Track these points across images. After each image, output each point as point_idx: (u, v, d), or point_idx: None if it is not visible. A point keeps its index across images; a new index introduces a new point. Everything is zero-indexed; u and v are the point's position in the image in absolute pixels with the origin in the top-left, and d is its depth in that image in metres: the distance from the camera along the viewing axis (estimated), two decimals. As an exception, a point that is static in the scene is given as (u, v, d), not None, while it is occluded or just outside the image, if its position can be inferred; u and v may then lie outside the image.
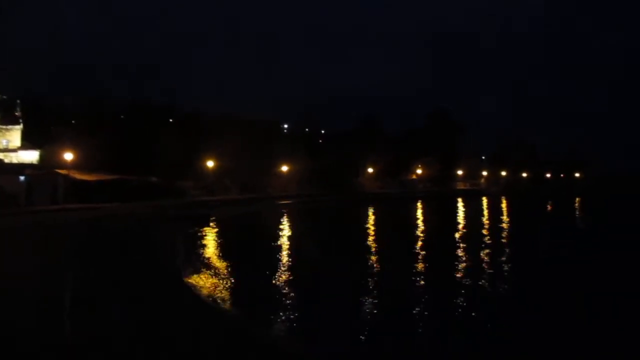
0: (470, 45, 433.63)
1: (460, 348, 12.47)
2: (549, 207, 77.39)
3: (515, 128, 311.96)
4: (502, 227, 42.18)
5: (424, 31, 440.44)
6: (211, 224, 41.88)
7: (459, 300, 16.87)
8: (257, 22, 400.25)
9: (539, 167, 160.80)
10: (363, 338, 13.06)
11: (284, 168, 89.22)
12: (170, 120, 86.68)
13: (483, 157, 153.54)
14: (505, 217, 54.51)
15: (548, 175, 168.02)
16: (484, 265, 23.66)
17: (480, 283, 19.69)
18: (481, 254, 26.49)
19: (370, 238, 34.97)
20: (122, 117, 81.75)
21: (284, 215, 53.05)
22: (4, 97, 68.47)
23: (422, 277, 20.99)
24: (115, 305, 13.81)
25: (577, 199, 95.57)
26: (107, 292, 15.46)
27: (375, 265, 23.88)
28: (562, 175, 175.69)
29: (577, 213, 66.41)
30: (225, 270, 21.34)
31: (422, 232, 38.79)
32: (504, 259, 25.66)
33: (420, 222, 48.59)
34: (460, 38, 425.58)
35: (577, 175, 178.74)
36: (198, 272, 20.68)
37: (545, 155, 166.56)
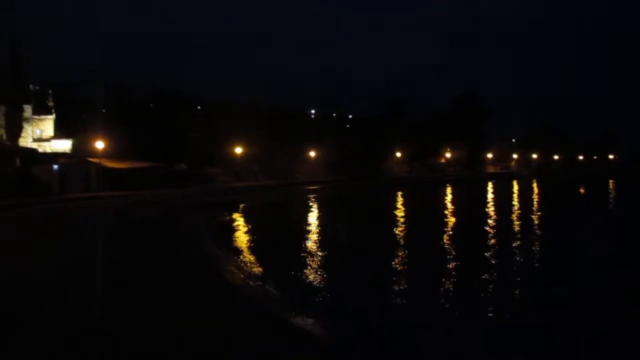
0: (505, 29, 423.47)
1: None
2: (581, 191, 75.78)
3: (546, 110, 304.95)
4: (531, 216, 40.85)
5: (452, 14, 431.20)
6: (241, 210, 42.03)
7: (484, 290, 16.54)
8: (279, 10, 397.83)
9: (571, 149, 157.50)
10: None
11: (312, 153, 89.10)
12: (198, 107, 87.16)
13: (514, 140, 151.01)
14: (535, 204, 53.21)
15: (581, 157, 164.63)
16: (510, 259, 22.93)
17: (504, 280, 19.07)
18: (508, 245, 25.78)
19: (401, 226, 34.54)
20: (150, 105, 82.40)
21: (313, 202, 52.96)
22: (37, 87, 69.41)
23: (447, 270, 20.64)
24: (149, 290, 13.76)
25: (610, 181, 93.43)
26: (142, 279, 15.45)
27: (407, 254, 23.53)
28: (595, 157, 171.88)
29: (610, 198, 64.55)
30: (260, 257, 21.25)
31: (452, 220, 38.13)
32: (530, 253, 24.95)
33: (449, 209, 47.85)
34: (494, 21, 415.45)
35: (610, 157, 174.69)
36: (233, 259, 20.67)
37: (578, 137, 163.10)
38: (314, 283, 16.89)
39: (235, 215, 37.93)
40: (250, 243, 25.60)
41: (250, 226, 32.50)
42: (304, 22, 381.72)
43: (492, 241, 26.16)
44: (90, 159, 56.81)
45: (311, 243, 25.19)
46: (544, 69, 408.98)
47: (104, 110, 69.80)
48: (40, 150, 62.41)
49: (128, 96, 78.40)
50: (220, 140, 74.96)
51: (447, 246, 24.98)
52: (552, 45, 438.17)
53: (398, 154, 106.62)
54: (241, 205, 44.81)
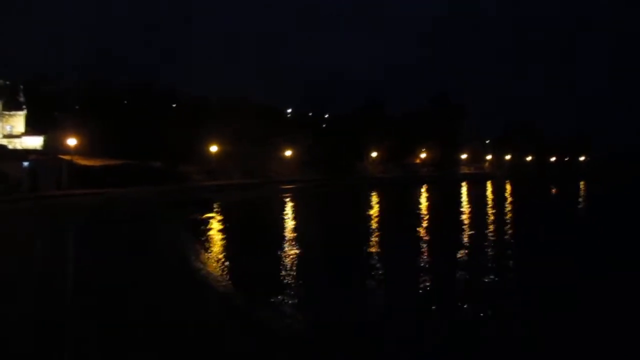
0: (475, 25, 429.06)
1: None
2: (552, 191, 77.33)
3: (520, 111, 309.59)
4: (504, 216, 41.89)
5: (425, 14, 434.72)
6: (215, 209, 41.98)
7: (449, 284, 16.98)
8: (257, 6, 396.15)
9: (543, 150, 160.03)
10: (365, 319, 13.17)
11: (287, 152, 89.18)
12: (174, 105, 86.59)
13: (487, 141, 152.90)
14: (508, 205, 54.23)
15: (553, 158, 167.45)
16: (481, 256, 23.56)
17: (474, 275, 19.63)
18: (477, 245, 26.46)
19: (373, 224, 34.97)
20: (125, 102, 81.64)
21: (287, 201, 53.13)
22: (7, 82, 68.26)
23: (421, 265, 21.07)
24: (116, 291, 13.85)
25: (581, 182, 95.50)
26: (110, 278, 15.51)
27: (376, 250, 23.93)
28: (566, 158, 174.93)
29: (579, 199, 66.08)
30: (230, 256, 21.41)
31: (423, 219, 38.75)
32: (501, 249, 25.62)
33: (422, 208, 48.55)
34: (464, 20, 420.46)
35: (581, 158, 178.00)
36: (203, 258, 20.77)
37: (550, 139, 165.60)
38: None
39: (207, 214, 37.88)
40: (219, 241, 25.71)
41: (221, 225, 32.57)
42: (287, 20, 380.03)
43: (453, 240, 26.73)
44: (62, 156, 56.14)
45: (278, 241, 25.43)
46: (518, 70, 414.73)
47: (76, 107, 69.01)
48: (10, 146, 61.48)
49: (102, 93, 77.55)
50: (196, 138, 74.56)
51: (407, 244, 25.35)
52: (525, 47, 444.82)
53: (373, 154, 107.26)
54: (213, 204, 44.73)
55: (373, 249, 24.13)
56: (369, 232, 29.94)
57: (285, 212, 40.85)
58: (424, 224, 34.33)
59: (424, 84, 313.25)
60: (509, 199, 59.04)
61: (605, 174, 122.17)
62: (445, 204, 53.79)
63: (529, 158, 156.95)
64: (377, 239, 27.98)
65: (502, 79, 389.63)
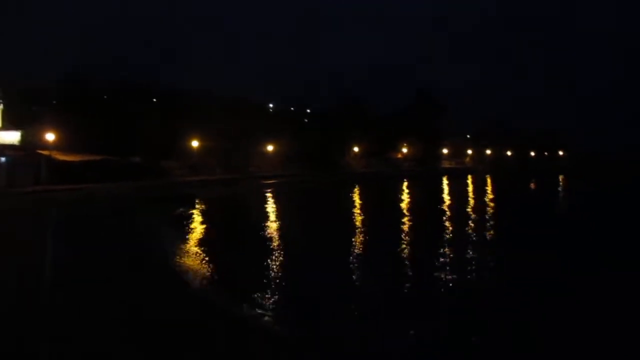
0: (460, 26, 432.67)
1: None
2: (532, 186, 78.27)
3: (500, 107, 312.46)
4: (485, 207, 42.42)
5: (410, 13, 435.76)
6: (196, 204, 41.83)
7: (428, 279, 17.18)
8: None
9: (523, 145, 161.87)
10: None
11: (270, 147, 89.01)
12: (154, 100, 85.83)
13: (468, 136, 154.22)
14: (489, 196, 54.85)
15: (532, 153, 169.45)
16: (462, 248, 23.87)
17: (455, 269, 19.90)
18: (459, 235, 26.80)
19: (356, 217, 35.13)
20: (105, 97, 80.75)
21: (268, 196, 53.10)
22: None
23: (402, 256, 21.24)
24: (92, 287, 13.80)
25: (560, 176, 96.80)
26: (87, 275, 15.42)
27: (357, 244, 24.08)
28: (545, 153, 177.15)
29: (560, 192, 67.08)
30: (211, 253, 21.37)
31: (405, 211, 39.04)
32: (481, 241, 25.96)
33: (404, 201, 48.89)
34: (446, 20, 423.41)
35: (560, 153, 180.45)
36: (183, 255, 20.73)
37: (529, 134, 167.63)
38: (250, 271, 17.38)
39: (188, 210, 37.72)
40: (199, 237, 25.66)
41: (202, 221, 32.48)
42: (271, 18, 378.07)
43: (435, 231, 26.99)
44: (40, 152, 55.44)
45: (258, 237, 25.45)
46: (499, 68, 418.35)
47: (54, 102, 68.11)
48: (-14, 142, 60.46)
49: (82, 87, 76.55)
50: (177, 132, 74.08)
51: (388, 238, 25.51)
52: (506, 44, 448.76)
53: (355, 149, 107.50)
54: (194, 199, 44.55)
55: (354, 243, 24.21)
56: (349, 226, 30.09)
57: (266, 207, 40.80)
58: (405, 219, 34.49)
59: (413, 82, 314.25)
60: (489, 193, 59.61)
61: (584, 169, 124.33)
62: (426, 198, 54.20)
63: (509, 153, 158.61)
64: (357, 232, 28.08)
65: (488, 77, 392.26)
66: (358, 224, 31.78)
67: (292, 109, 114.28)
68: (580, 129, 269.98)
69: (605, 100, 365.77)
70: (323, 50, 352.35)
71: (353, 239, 25.01)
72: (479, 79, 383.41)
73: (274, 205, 43.54)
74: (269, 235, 26.12)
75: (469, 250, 22.37)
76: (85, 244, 20.83)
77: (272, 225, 30.06)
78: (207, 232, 27.44)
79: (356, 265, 19.27)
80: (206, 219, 33.47)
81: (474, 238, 25.63)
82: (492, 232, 28.70)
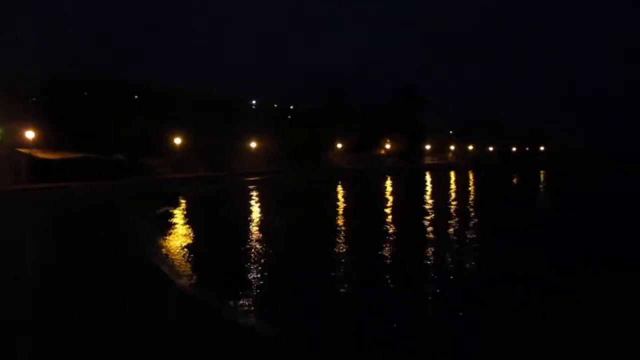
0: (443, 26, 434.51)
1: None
2: (514, 181, 79.11)
3: (483, 104, 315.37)
4: (468, 202, 42.83)
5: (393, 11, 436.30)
6: (180, 202, 41.68)
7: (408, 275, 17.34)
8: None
9: (505, 141, 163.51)
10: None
11: (253, 144, 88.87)
12: (136, 96, 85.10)
13: (451, 132, 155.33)
14: (471, 191, 55.38)
15: (514, 148, 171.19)
16: (444, 245, 24.13)
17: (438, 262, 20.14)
18: (442, 232, 27.07)
19: (338, 213, 35.27)
20: (85, 93, 79.86)
21: (252, 193, 53.03)
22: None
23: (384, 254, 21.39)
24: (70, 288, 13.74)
25: (540, 171, 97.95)
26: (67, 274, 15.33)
27: (339, 243, 24.18)
28: (527, 148, 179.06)
29: (540, 187, 67.94)
30: (193, 250, 21.35)
31: (388, 209, 39.23)
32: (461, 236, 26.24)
33: (387, 198, 49.14)
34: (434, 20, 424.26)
35: (541, 148, 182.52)
36: (163, 253, 20.67)
37: (511, 130, 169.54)
38: (233, 270, 17.39)
39: (170, 208, 37.56)
40: (182, 235, 25.57)
41: (184, 218, 32.40)
42: (255, 15, 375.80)
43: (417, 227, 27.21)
44: (20, 150, 54.72)
45: (242, 235, 25.45)
46: (483, 66, 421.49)
47: (34, 99, 67.19)
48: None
49: (63, 84, 75.59)
50: (160, 130, 73.62)
51: (370, 235, 25.65)
52: (489, 44, 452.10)
53: (339, 146, 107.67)
54: (177, 197, 44.36)
55: (336, 241, 24.27)
56: (331, 222, 30.22)
57: (248, 205, 40.73)
58: (389, 215, 34.67)
59: (398, 79, 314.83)
60: (472, 188, 60.21)
61: (562, 164, 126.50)
62: (409, 194, 54.63)
63: (491, 148, 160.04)
64: (338, 231, 28.16)
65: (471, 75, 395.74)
66: (340, 222, 31.88)
67: (275, 105, 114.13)
68: (570, 127, 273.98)
69: (598, 100, 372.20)
70: (308, 49, 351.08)
71: (335, 238, 25.06)
72: (467, 77, 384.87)
73: (257, 203, 43.48)
74: (250, 234, 26.12)
75: (448, 250, 22.59)
76: (63, 244, 20.66)
77: (254, 223, 30.09)
78: (185, 231, 27.35)
79: (336, 264, 19.31)
80: (187, 218, 33.39)
81: (453, 237, 25.81)
82: (472, 228, 28.96)
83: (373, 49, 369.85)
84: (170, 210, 35.47)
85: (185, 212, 35.94)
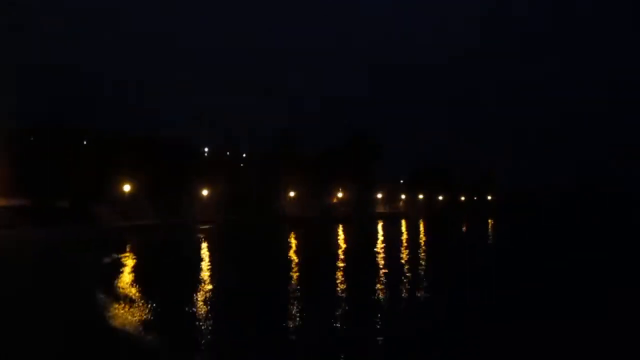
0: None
1: None
2: (463, 229, 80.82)
3: (431, 153, 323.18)
4: (417, 256, 43.13)
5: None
6: (125, 253, 40.36)
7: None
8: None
9: (454, 189, 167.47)
10: None
11: (204, 192, 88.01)
12: (85, 142, 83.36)
13: (402, 181, 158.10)
14: (421, 244, 56.03)
15: (462, 197, 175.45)
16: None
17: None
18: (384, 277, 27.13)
19: (289, 264, 34.89)
20: (31, 138, 77.77)
21: (201, 242, 52.10)
22: None
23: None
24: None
25: (489, 220, 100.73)
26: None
27: (288, 289, 23.88)
28: (475, 197, 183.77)
29: (489, 235, 69.74)
30: (138, 304, 20.62)
31: (336, 260, 39.02)
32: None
33: (337, 247, 48.99)
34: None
35: (489, 197, 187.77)
36: (108, 309, 19.86)
37: (459, 179, 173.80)
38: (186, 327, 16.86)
39: (115, 257, 36.35)
40: (127, 287, 24.64)
41: (129, 269, 31.37)
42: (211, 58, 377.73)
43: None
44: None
45: (188, 287, 24.73)
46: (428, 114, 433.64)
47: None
48: None
49: (7, 128, 73.34)
50: (108, 176, 72.02)
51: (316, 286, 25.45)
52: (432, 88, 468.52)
53: (291, 194, 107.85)
54: (125, 246, 43.08)
55: (281, 293, 23.92)
56: (278, 274, 29.98)
57: (198, 255, 39.89)
58: (338, 265, 34.46)
59: (349, 125, 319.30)
60: (422, 239, 60.89)
61: (509, 213, 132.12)
62: (361, 243, 54.77)
63: (440, 197, 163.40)
64: (286, 281, 27.75)
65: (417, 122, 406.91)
66: (291, 273, 31.50)
67: (227, 153, 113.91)
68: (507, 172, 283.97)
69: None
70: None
71: (281, 288, 24.84)
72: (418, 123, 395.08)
73: (203, 254, 42.61)
74: (200, 286, 25.47)
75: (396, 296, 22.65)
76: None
77: (204, 277, 29.42)
78: (136, 281, 26.50)
79: (277, 310, 19.24)
80: (137, 268, 32.35)
81: (403, 285, 25.91)
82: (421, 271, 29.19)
83: (326, 91, 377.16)
84: (111, 262, 34.29)
85: (133, 263, 34.73)
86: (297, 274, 30.60)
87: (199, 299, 21.77)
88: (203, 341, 15.74)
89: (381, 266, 33.57)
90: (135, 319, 18.36)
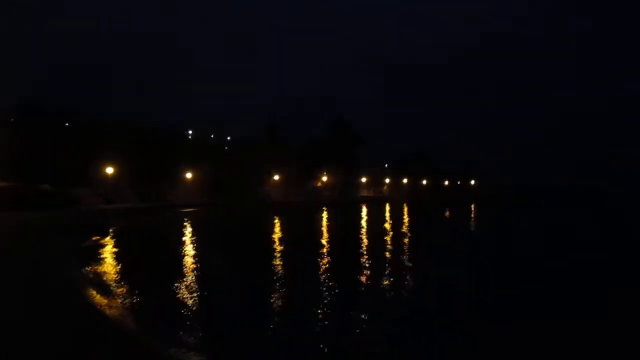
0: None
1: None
2: (446, 215, 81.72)
3: (416, 139, 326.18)
4: (393, 236, 43.92)
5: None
6: (107, 235, 40.45)
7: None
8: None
9: (437, 175, 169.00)
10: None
11: (188, 175, 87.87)
12: (67, 125, 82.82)
13: (386, 165, 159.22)
14: (405, 223, 56.75)
15: (446, 182, 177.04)
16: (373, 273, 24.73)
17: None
18: (371, 261, 27.71)
19: (271, 247, 35.31)
20: (12, 120, 77.07)
21: (185, 225, 52.29)
22: None
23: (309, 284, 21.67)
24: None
25: (472, 205, 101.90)
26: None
27: (268, 272, 24.30)
28: (458, 182, 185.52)
29: (472, 221, 70.72)
30: (121, 287, 20.91)
31: (320, 241, 39.62)
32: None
33: (321, 230, 49.60)
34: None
35: (472, 182, 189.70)
36: (88, 294, 20.13)
37: (444, 165, 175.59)
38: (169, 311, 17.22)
39: (97, 240, 36.49)
40: (110, 271, 24.89)
41: (112, 253, 31.55)
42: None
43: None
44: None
45: (174, 274, 25.05)
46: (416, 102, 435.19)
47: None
48: None
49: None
50: (91, 159, 71.74)
51: (300, 268, 25.93)
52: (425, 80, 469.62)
53: (276, 178, 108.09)
54: (107, 229, 43.13)
55: (264, 274, 24.34)
56: (262, 256, 30.34)
57: (181, 239, 40.15)
58: (322, 249, 34.93)
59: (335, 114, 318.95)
60: (406, 221, 61.73)
61: (492, 198, 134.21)
62: (345, 226, 55.44)
63: (424, 182, 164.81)
64: (269, 262, 28.19)
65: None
66: (275, 255, 31.93)
67: (212, 136, 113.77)
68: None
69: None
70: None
71: (263, 270, 25.21)
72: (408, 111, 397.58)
73: (191, 238, 42.86)
74: (184, 269, 25.80)
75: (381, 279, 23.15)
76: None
77: (187, 258, 29.72)
78: (118, 265, 26.71)
79: (262, 293, 19.59)
80: (119, 251, 32.53)
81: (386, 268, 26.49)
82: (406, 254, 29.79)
83: (313, 85, 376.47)
84: (98, 244, 34.45)
85: (109, 247, 34.92)
86: (277, 260, 30.91)
87: (176, 283, 21.89)
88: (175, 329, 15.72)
89: (362, 255, 33.95)
90: (107, 301, 18.55)
